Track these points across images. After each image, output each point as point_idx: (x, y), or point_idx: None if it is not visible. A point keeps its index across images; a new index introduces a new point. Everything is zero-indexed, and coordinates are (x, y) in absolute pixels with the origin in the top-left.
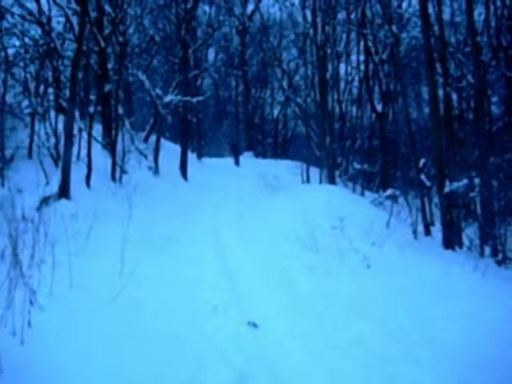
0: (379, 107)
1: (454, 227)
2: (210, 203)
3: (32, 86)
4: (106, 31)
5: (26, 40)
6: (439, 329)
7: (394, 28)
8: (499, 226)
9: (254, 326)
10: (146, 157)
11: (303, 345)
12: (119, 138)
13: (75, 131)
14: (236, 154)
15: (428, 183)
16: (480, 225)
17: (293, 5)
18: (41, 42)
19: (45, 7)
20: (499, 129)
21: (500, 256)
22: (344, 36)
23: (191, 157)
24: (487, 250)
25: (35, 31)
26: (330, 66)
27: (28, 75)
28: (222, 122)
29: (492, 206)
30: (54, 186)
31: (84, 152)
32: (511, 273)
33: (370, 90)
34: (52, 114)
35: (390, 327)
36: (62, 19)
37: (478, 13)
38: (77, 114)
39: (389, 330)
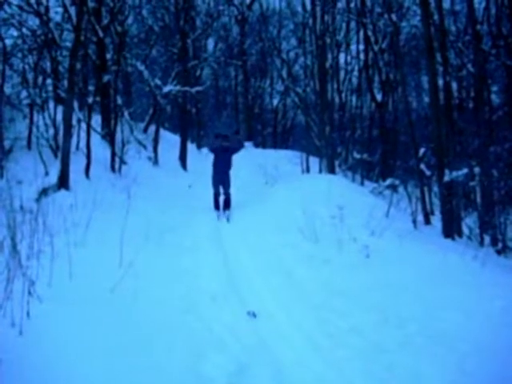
0: (379, 96)
1: (453, 216)
2: (209, 193)
3: (30, 76)
4: (105, 21)
5: (24, 30)
6: (438, 318)
7: (393, 17)
8: (499, 215)
9: (254, 315)
10: (145, 147)
11: (301, 334)
12: (118, 129)
13: (74, 122)
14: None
15: (428, 172)
16: (480, 214)
17: None
18: (39, 32)
19: None
20: (499, 118)
21: (500, 245)
22: (343, 25)
23: (191, 147)
24: (487, 239)
25: (33, 22)
26: (329, 56)
27: (26, 66)
28: (222, 112)
29: (492, 195)
30: (53, 177)
31: (83, 143)
32: (511, 262)
33: (370, 79)
34: (51, 104)
35: (389, 316)
36: (60, 9)
37: (478, 1)
38: (76, 104)
39: (387, 319)
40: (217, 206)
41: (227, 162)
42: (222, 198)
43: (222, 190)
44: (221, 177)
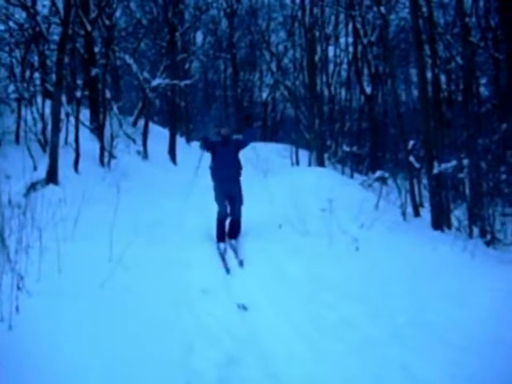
0: (368, 89)
1: (442, 208)
2: (198, 187)
3: (18, 70)
4: (92, 15)
5: (11, 24)
6: (428, 310)
7: (382, 9)
8: (487, 207)
9: (244, 308)
10: (134, 141)
11: (292, 327)
12: (107, 123)
13: (62, 116)
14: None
15: (417, 165)
16: (468, 206)
17: None
18: (26, 25)
19: None
20: (488, 110)
21: (488, 237)
22: (332, 18)
23: (180, 141)
24: (476, 230)
25: (20, 15)
26: (318, 49)
27: (13, 60)
28: (211, 106)
29: (480, 187)
30: (42, 172)
31: (72, 137)
32: (499, 253)
33: (359, 72)
34: (39, 98)
35: (379, 308)
36: (48, 2)
37: None
38: (64, 98)
39: (377, 312)
40: (220, 237)
41: (232, 162)
42: (227, 222)
43: (228, 209)
44: (226, 187)
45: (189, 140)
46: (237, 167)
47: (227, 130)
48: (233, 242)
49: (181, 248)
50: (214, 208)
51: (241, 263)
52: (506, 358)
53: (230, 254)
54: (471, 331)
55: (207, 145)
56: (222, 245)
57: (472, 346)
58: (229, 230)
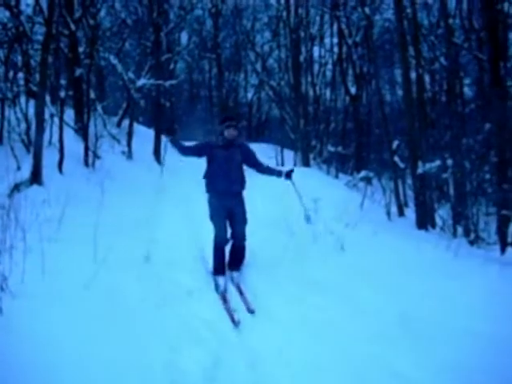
0: (353, 90)
1: (427, 208)
2: (183, 188)
3: (1, 70)
4: (77, 14)
5: None
6: (413, 308)
7: (367, 10)
8: (471, 207)
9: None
10: (119, 141)
11: (279, 328)
12: (91, 123)
13: (46, 116)
14: None
15: (401, 165)
16: (452, 205)
17: None
18: (9, 25)
19: None
20: (471, 110)
21: (472, 236)
22: (317, 18)
23: (165, 141)
24: (459, 229)
25: (3, 14)
26: (303, 49)
27: None
28: (196, 106)
29: (464, 187)
30: (26, 172)
31: (56, 137)
32: (483, 252)
33: (344, 72)
34: (22, 99)
35: (365, 308)
36: (31, 2)
37: None
38: (48, 98)
39: (363, 311)
40: (219, 269)
41: (236, 170)
42: (228, 248)
43: (229, 232)
44: (226, 201)
45: None
46: (241, 177)
47: (233, 133)
48: (234, 274)
49: (167, 248)
50: (199, 209)
51: (251, 310)
52: (492, 355)
53: (232, 292)
54: (456, 329)
55: (186, 149)
56: (221, 280)
57: (457, 343)
58: (230, 259)
